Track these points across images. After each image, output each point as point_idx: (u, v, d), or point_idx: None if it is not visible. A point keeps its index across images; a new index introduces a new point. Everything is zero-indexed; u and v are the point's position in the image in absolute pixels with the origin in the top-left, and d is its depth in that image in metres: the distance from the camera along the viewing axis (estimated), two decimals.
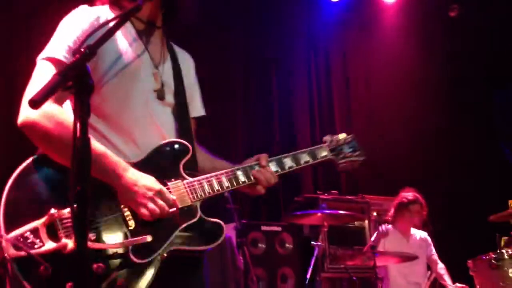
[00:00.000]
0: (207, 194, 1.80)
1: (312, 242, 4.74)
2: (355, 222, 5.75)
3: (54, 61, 1.72)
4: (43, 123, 1.65)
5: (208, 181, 1.81)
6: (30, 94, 1.71)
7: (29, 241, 1.57)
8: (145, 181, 1.69)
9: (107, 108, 1.79)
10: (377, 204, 5.98)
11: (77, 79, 1.33)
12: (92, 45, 1.41)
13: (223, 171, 1.86)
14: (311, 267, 4.74)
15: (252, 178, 1.89)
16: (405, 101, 7.18)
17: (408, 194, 5.00)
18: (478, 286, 4.39)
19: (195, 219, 1.76)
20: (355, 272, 4.93)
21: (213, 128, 6.09)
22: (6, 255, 1.54)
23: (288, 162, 1.97)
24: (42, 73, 1.70)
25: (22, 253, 1.55)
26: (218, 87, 6.20)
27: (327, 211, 4.68)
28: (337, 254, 5.46)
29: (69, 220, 1.59)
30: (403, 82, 7.25)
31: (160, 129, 1.85)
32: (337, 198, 5.76)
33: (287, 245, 5.50)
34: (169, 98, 1.91)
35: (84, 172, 1.32)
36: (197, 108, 2.07)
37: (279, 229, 5.48)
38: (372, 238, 4.49)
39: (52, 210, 1.59)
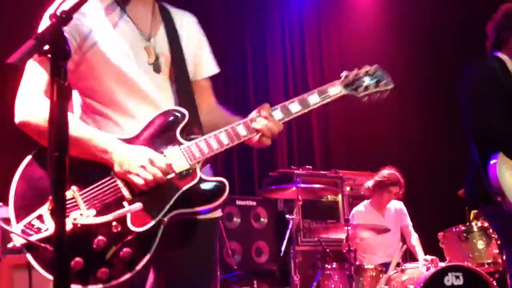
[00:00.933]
0: (205, 154, 1.76)
1: (287, 216, 4.79)
2: (329, 197, 5.83)
3: None
4: (34, 122, 1.71)
5: (206, 142, 1.78)
6: (25, 90, 1.75)
7: (35, 227, 1.65)
8: (136, 152, 1.70)
9: (101, 87, 1.79)
10: (350, 179, 6.06)
11: (54, 44, 1.32)
12: (68, 10, 1.39)
13: (222, 129, 1.80)
14: (285, 240, 4.81)
15: (254, 131, 1.82)
16: None
17: (390, 175, 5.02)
18: (447, 257, 4.49)
19: (195, 181, 1.74)
20: (329, 245, 5.01)
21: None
22: (19, 244, 1.64)
23: (295, 107, 1.86)
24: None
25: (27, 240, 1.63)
26: None
27: (302, 185, 4.72)
28: (311, 227, 5.54)
29: (69, 202, 1.64)
30: (378, 57, 7.29)
31: (157, 101, 1.84)
32: (311, 173, 5.82)
33: (261, 219, 5.55)
34: (166, 68, 1.89)
35: (60, 136, 1.30)
36: (208, 67, 2.03)
37: (254, 203, 5.53)
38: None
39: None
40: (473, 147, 2.95)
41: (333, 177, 5.96)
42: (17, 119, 1.74)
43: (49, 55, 1.32)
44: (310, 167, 5.94)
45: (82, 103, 1.85)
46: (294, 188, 4.72)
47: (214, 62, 2.06)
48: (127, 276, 1.65)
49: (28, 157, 1.74)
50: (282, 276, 5.38)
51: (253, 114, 1.85)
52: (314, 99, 1.89)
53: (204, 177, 1.75)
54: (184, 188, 1.73)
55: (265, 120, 1.81)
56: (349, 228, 4.33)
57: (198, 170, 1.75)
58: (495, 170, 2.77)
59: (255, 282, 4.56)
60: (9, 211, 1.69)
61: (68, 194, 1.65)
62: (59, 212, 1.30)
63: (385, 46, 7.37)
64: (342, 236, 4.44)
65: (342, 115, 7.28)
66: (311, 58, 7.18)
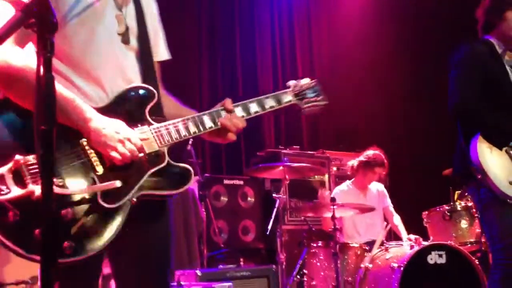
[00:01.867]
0: (174, 139, 1.78)
1: (274, 195, 4.83)
2: (316, 176, 5.88)
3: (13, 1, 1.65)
4: (4, 66, 1.60)
5: (175, 126, 1.80)
6: None
7: None
8: (115, 125, 1.68)
9: (70, 50, 1.74)
10: (337, 159, 6.11)
11: (40, 16, 1.30)
12: None
13: (189, 117, 1.84)
14: (272, 219, 4.85)
15: (218, 123, 1.87)
16: (367, 58, 7.26)
17: (375, 155, 5.04)
18: (431, 236, 4.56)
19: (163, 164, 1.76)
20: (315, 224, 5.07)
21: (178, 79, 6.06)
22: None
23: (254, 107, 1.95)
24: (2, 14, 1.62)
25: None
26: (182, 39, 6.15)
27: (289, 164, 4.75)
28: (297, 206, 5.59)
29: (36, 166, 1.56)
30: (367, 40, 7.32)
31: (126, 73, 1.81)
32: (299, 152, 5.86)
33: (249, 198, 5.59)
34: (133, 42, 1.86)
35: (48, 112, 1.30)
36: (161, 52, 2.02)
37: (241, 182, 5.56)
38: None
39: (18, 156, 1.55)
40: (458, 125, 3.01)
41: (320, 157, 6.00)
42: None
43: (35, 28, 1.31)
44: (298, 147, 5.97)
45: None
46: (281, 167, 4.75)
47: (167, 49, 2.05)
48: (92, 253, 1.61)
49: None
50: (268, 254, 5.45)
51: (217, 108, 1.91)
52: (270, 103, 2.00)
53: (171, 161, 1.77)
54: (153, 170, 1.73)
55: (231, 116, 1.89)
56: (334, 207, 4.37)
57: (166, 154, 1.77)
58: (475, 148, 2.84)
59: (241, 259, 4.60)
60: None
61: (35, 158, 1.55)
62: (47, 191, 1.27)
63: (374, 29, 7.39)
64: (328, 215, 4.48)
65: (330, 95, 7.30)
66: (301, 43, 7.18)
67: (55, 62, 1.71)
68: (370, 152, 5.11)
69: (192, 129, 1.83)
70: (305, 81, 2.12)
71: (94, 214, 1.62)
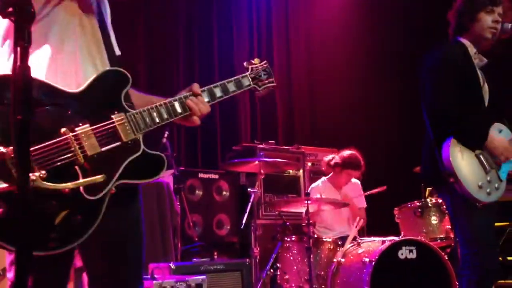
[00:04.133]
0: (148, 126, 1.80)
1: (249, 189, 4.85)
2: (290, 171, 5.92)
3: None
4: None
5: (149, 113, 1.81)
6: None
7: None
8: None
9: (46, 41, 1.74)
10: (312, 154, 6.16)
11: (18, 6, 1.29)
12: None
13: (161, 103, 1.86)
14: (247, 213, 4.87)
15: (187, 109, 1.90)
16: (344, 55, 7.33)
17: (351, 158, 5.04)
18: (402, 232, 4.64)
19: (139, 152, 1.77)
20: (289, 218, 5.11)
21: (155, 67, 6.03)
22: None
23: (218, 92, 1.99)
24: None
25: None
26: (159, 27, 6.12)
27: (264, 159, 4.77)
28: (272, 201, 5.62)
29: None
30: (342, 37, 7.38)
31: (96, 61, 1.80)
32: (274, 147, 5.89)
33: (224, 192, 5.60)
34: (96, 33, 1.85)
35: (24, 101, 1.30)
36: (116, 47, 1.99)
37: (216, 176, 5.57)
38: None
39: (1, 149, 1.54)
40: (429, 128, 3.05)
41: (295, 152, 6.04)
42: None
43: (13, 18, 1.30)
44: (273, 142, 6.00)
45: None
46: (256, 162, 4.77)
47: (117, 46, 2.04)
48: (75, 243, 1.63)
49: None
50: (242, 248, 5.47)
51: (184, 92, 1.93)
52: (232, 87, 2.04)
53: (146, 149, 1.78)
54: (130, 158, 1.74)
55: (197, 100, 1.92)
56: (309, 202, 4.42)
57: (141, 142, 1.78)
58: (448, 152, 2.88)
59: (215, 253, 4.62)
60: None
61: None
62: (22, 180, 1.27)
63: (352, 27, 7.46)
64: (302, 210, 4.53)
65: (306, 91, 7.37)
66: (278, 40, 7.18)
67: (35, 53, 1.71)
68: (346, 153, 5.11)
69: (165, 115, 1.85)
70: (257, 61, 2.16)
71: (77, 206, 1.64)
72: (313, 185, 5.30)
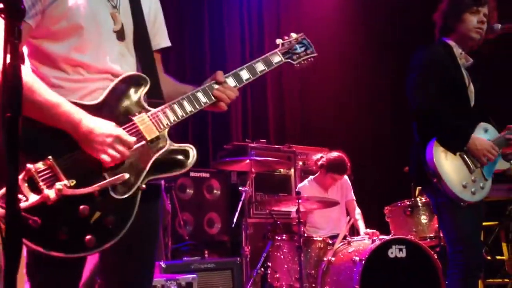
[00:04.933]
0: (172, 121, 1.82)
1: (240, 188, 4.85)
2: (281, 170, 5.92)
3: None
4: None
5: (171, 108, 1.83)
6: None
7: None
8: (102, 127, 1.69)
9: (65, 52, 1.75)
10: (303, 153, 6.17)
11: (9, 2, 1.29)
12: None
13: (184, 96, 1.87)
14: (237, 212, 4.88)
15: (213, 97, 1.91)
16: (336, 54, 7.35)
17: (337, 160, 5.00)
18: (392, 231, 4.66)
19: (166, 148, 1.80)
20: (280, 217, 5.12)
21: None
22: None
23: (245, 74, 1.98)
24: None
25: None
26: None
27: (255, 158, 4.78)
28: (263, 200, 5.63)
29: (46, 171, 1.62)
30: (334, 36, 7.40)
31: (115, 71, 1.82)
32: (265, 146, 5.89)
33: (215, 191, 5.60)
34: (129, 37, 1.87)
35: (14, 99, 1.29)
36: (163, 40, 2.04)
37: (207, 175, 5.56)
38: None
39: (28, 165, 1.61)
40: (414, 128, 3.08)
41: (287, 151, 6.05)
42: None
43: (3, 15, 1.30)
44: (264, 140, 6.01)
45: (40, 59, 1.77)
46: (247, 161, 4.78)
47: (167, 35, 2.08)
48: (112, 242, 1.68)
49: None
50: (233, 247, 5.48)
51: (209, 81, 1.94)
52: (260, 67, 2.02)
53: (172, 144, 1.82)
54: (156, 155, 1.78)
55: (224, 88, 1.92)
56: (299, 201, 4.43)
57: (167, 137, 1.81)
58: (431, 152, 2.91)
59: (206, 252, 4.62)
60: None
61: (44, 164, 1.63)
62: (11, 177, 1.28)
63: (344, 26, 7.48)
64: (293, 209, 4.53)
65: (297, 91, 7.38)
66: (269, 39, 7.18)
67: (48, 66, 1.75)
68: (332, 156, 5.08)
69: (188, 108, 1.86)
70: (293, 35, 2.14)
71: (109, 205, 1.68)
72: (300, 185, 5.31)
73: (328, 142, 5.96)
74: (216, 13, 6.70)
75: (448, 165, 2.92)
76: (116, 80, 1.79)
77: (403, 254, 4.18)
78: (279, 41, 2.11)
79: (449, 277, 3.00)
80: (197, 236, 5.27)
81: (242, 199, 4.78)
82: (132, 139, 1.73)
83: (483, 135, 3.07)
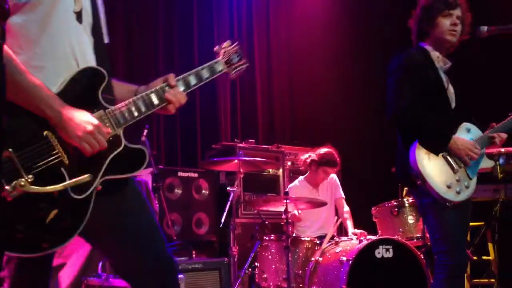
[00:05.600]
0: (128, 120, 1.82)
1: (228, 188, 4.85)
2: (270, 170, 5.93)
3: None
4: None
5: (128, 108, 1.82)
6: None
7: None
8: (83, 116, 1.69)
9: (26, 31, 1.71)
10: (292, 153, 6.18)
11: None
12: None
13: (139, 96, 1.86)
14: (226, 212, 4.87)
15: (165, 100, 1.91)
16: (324, 55, 7.37)
17: (327, 155, 5.07)
18: (380, 231, 4.69)
19: (121, 148, 1.79)
20: (268, 217, 5.12)
21: (134, 58, 5.99)
22: None
23: (193, 80, 2.00)
24: None
25: None
26: (139, 19, 6.08)
27: (243, 158, 4.78)
28: (251, 200, 5.63)
29: (6, 165, 1.57)
30: (323, 37, 7.42)
31: (77, 55, 1.79)
32: (254, 146, 5.90)
33: (203, 191, 5.59)
34: (87, 21, 1.85)
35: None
36: (106, 35, 2.01)
37: (195, 175, 5.55)
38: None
39: None
40: (397, 131, 3.12)
41: (275, 151, 6.06)
42: None
43: None
44: (253, 140, 6.01)
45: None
46: (236, 161, 4.78)
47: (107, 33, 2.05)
48: (66, 242, 1.66)
49: None
50: (221, 247, 5.47)
51: (160, 83, 1.94)
52: (205, 74, 2.04)
53: (127, 144, 1.80)
54: (112, 154, 1.76)
55: (175, 91, 1.93)
56: (288, 201, 4.44)
57: (122, 137, 1.80)
58: (414, 155, 2.95)
59: (193, 252, 4.61)
60: None
61: (4, 156, 1.56)
62: None
63: (333, 27, 7.50)
64: (281, 209, 4.54)
65: (286, 91, 7.39)
66: (259, 40, 7.19)
67: (14, 45, 1.69)
68: (322, 151, 5.14)
69: (143, 108, 1.86)
70: (227, 44, 2.15)
71: (65, 206, 1.66)
72: (291, 185, 5.32)
73: (317, 142, 5.96)
74: (205, 14, 6.69)
75: (432, 166, 2.94)
76: (76, 71, 1.76)
77: (390, 254, 4.20)
78: (218, 49, 2.14)
79: (434, 277, 3.03)
80: (185, 236, 5.25)
81: (230, 199, 4.77)
82: (107, 130, 1.73)
83: (466, 135, 3.10)
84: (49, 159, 1.65)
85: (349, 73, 7.33)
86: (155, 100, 1.89)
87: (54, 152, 1.67)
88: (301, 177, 5.32)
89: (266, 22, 7.31)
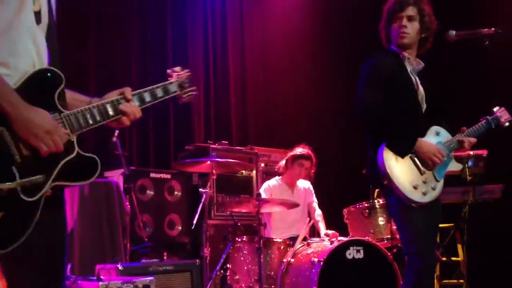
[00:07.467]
0: (82, 128, 1.79)
1: (200, 189, 4.83)
2: (243, 172, 5.93)
3: None
4: None
5: (83, 115, 1.79)
6: None
7: None
8: (42, 114, 1.66)
9: None
10: (265, 155, 6.18)
11: None
12: None
13: (94, 104, 1.84)
14: (198, 213, 4.85)
15: (119, 112, 1.89)
16: (298, 57, 7.40)
17: (303, 150, 5.18)
18: (351, 232, 4.72)
19: (74, 154, 1.75)
20: (240, 219, 5.11)
21: (108, 57, 5.92)
22: None
23: (147, 97, 2.01)
24: None
25: None
26: (112, 16, 6.02)
27: (216, 159, 4.77)
28: (224, 201, 5.62)
29: None
30: (297, 38, 7.45)
31: (34, 55, 1.75)
32: (227, 148, 5.88)
33: (175, 192, 5.56)
34: (44, 23, 1.80)
35: None
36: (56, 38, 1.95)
37: (168, 176, 5.52)
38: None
39: None
40: (367, 133, 3.15)
41: (248, 153, 6.06)
42: None
43: None
44: (226, 142, 6.00)
45: None
46: (208, 162, 4.76)
47: None
48: (12, 246, 1.59)
49: None
50: (193, 248, 5.45)
51: (115, 95, 1.92)
52: (159, 93, 2.06)
53: (80, 151, 1.77)
54: (64, 160, 1.72)
55: (130, 105, 1.92)
56: (260, 202, 4.44)
57: (75, 143, 1.77)
58: (381, 156, 2.99)
59: (165, 254, 4.58)
60: None
61: None
62: None
63: (306, 28, 7.54)
64: (254, 210, 4.54)
65: (261, 92, 7.40)
66: (233, 42, 7.18)
67: None
68: (298, 148, 5.24)
69: (98, 117, 1.83)
70: (179, 69, 2.18)
71: (13, 208, 1.60)
72: (270, 182, 5.33)
73: (291, 144, 5.98)
74: (179, 11, 6.66)
75: (398, 167, 2.98)
76: (35, 70, 1.72)
77: (360, 255, 4.24)
78: (170, 72, 2.16)
79: (404, 277, 3.06)
80: (158, 238, 5.22)
81: (202, 200, 4.75)
82: (66, 131, 1.70)
83: (435, 138, 3.15)
84: (1, 156, 1.60)
85: (324, 75, 7.37)
86: (110, 111, 1.87)
87: (7, 149, 1.61)
88: (278, 177, 5.37)
89: (240, 22, 7.30)
